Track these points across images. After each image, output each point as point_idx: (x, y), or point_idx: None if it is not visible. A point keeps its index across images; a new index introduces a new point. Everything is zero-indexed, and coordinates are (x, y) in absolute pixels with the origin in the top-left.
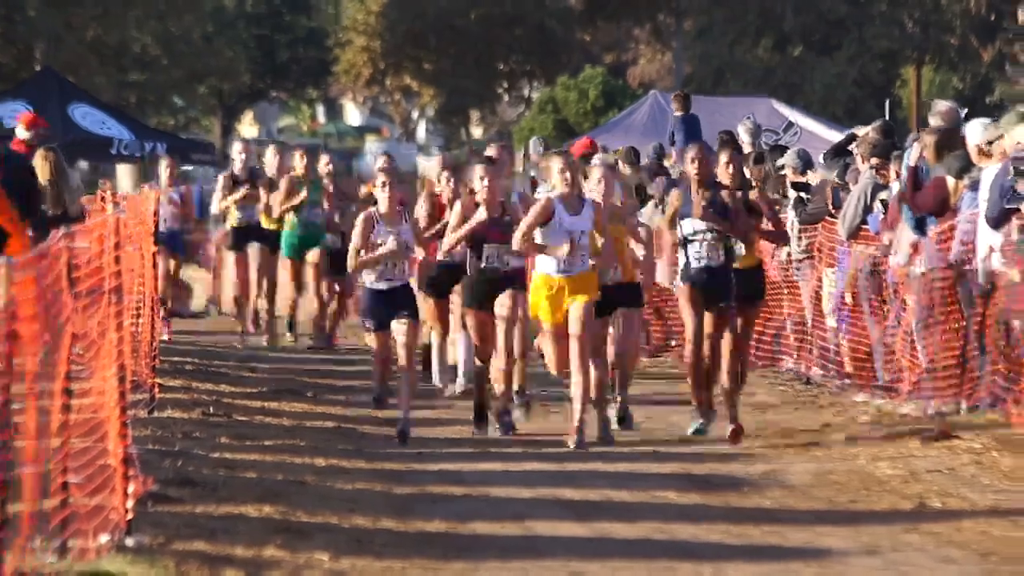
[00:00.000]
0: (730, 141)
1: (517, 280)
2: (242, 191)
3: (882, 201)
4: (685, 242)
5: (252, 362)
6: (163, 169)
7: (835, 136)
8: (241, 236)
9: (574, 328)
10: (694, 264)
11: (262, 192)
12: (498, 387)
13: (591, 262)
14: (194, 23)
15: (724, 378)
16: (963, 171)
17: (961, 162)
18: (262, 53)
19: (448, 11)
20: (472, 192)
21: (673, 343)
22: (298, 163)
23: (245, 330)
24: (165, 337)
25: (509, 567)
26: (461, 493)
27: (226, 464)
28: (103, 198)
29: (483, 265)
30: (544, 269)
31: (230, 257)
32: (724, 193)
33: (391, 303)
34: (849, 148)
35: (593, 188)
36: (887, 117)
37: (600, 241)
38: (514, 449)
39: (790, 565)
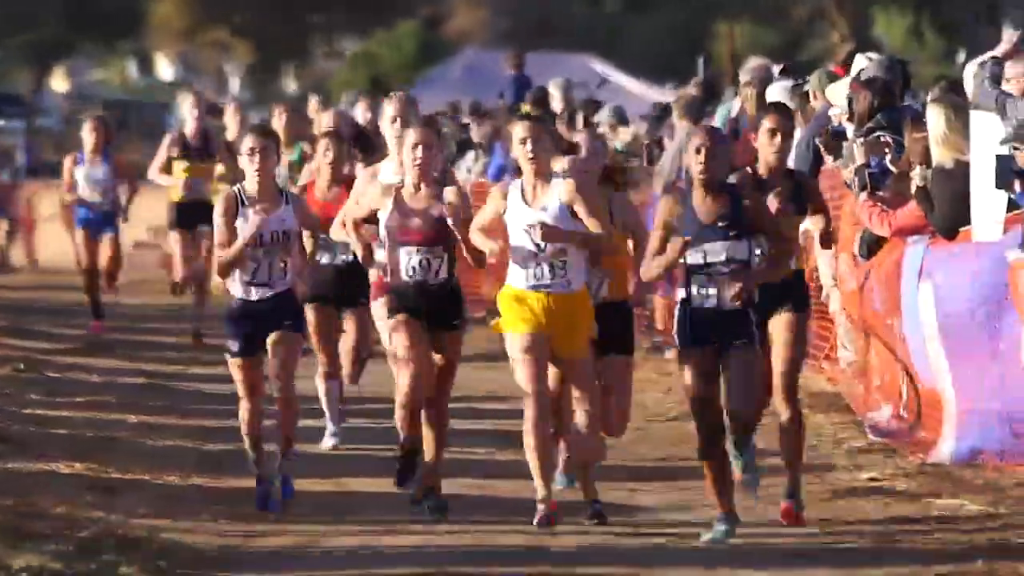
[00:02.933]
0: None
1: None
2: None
3: None
4: (689, 273)
5: (63, 317)
6: None
7: (651, 93)
8: (186, 213)
9: (577, 395)
10: (696, 303)
11: (219, 162)
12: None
13: (580, 277)
14: None
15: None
16: None
17: None
18: (73, 4)
19: None
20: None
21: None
22: (277, 123)
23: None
24: None
25: (323, 519)
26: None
27: (37, 420)
28: None
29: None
30: (512, 282)
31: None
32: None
33: (263, 317)
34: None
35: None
36: (702, 73)
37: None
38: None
39: None
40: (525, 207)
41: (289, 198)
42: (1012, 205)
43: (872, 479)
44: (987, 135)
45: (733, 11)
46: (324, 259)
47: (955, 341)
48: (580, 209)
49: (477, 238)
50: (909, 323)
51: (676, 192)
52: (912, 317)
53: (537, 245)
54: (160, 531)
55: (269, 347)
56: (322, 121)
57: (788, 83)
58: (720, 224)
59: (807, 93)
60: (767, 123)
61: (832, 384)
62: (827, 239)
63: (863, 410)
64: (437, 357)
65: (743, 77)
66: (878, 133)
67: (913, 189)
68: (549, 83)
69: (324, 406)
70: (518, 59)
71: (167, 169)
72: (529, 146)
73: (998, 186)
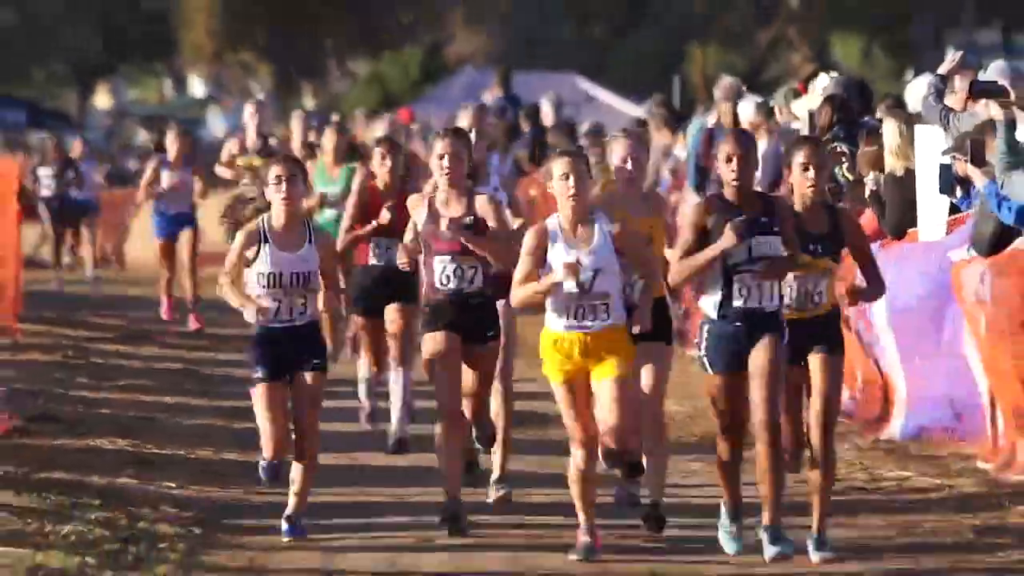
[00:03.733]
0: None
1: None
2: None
3: (671, 171)
4: (728, 274)
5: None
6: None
7: (633, 109)
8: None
9: (606, 423)
10: (736, 303)
11: None
12: None
13: (622, 310)
14: (49, 3)
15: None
16: None
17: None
18: (113, 31)
19: None
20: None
21: None
22: (328, 141)
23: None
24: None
25: (342, 492)
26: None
27: (84, 402)
28: None
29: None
30: (551, 324)
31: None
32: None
33: (290, 346)
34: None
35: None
36: (678, 92)
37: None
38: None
39: None
40: (565, 247)
41: (313, 236)
42: (954, 209)
43: None
44: (931, 146)
45: (703, 36)
46: (375, 261)
47: (905, 332)
48: (628, 246)
49: (522, 294)
50: (864, 316)
51: (709, 199)
52: (867, 311)
53: (580, 286)
54: (195, 500)
55: (294, 391)
56: (366, 132)
57: (757, 99)
58: (763, 219)
59: (772, 108)
60: (800, 157)
61: None
62: (862, 293)
63: None
64: (470, 373)
65: (717, 94)
66: (835, 144)
67: (867, 194)
68: (541, 99)
69: (361, 394)
70: (505, 80)
71: (230, 166)
72: (572, 182)
73: (941, 192)
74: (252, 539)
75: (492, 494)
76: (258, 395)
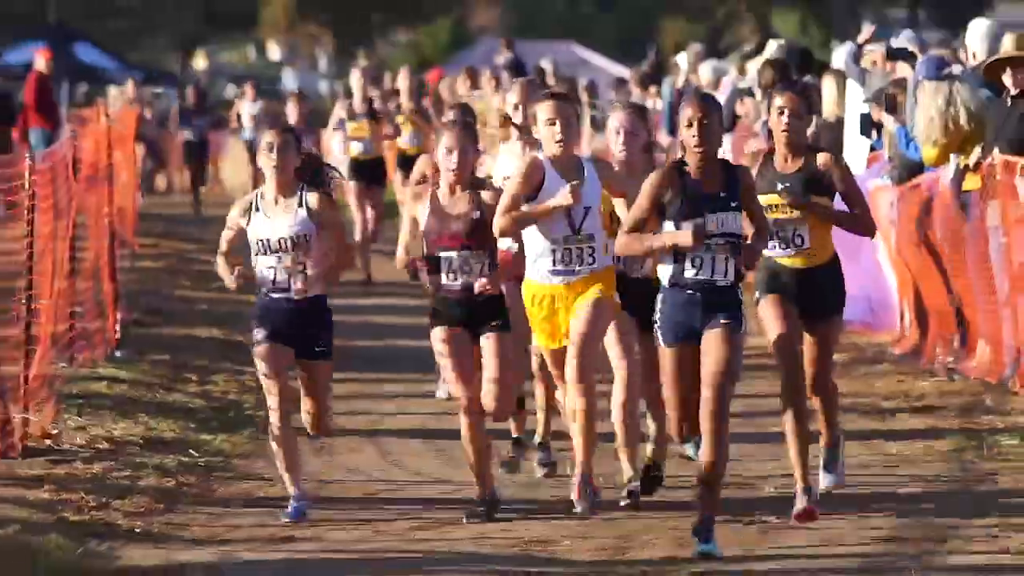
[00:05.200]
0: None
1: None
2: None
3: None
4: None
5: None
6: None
7: (618, 69)
8: (361, 169)
9: (574, 332)
10: (688, 275)
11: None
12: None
13: (604, 256)
14: None
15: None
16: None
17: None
18: (210, 4)
19: None
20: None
21: None
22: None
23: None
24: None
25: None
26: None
27: (185, 300)
28: (99, 112)
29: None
30: (532, 274)
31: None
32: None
33: (296, 321)
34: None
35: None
36: (652, 55)
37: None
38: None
39: None
40: (559, 178)
41: (306, 198)
42: (872, 148)
43: None
44: (853, 98)
45: (671, 11)
46: None
47: None
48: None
49: (509, 220)
50: None
51: (669, 170)
52: None
53: (571, 226)
54: None
55: (299, 376)
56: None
57: (715, 62)
58: (722, 195)
59: (727, 69)
60: (777, 101)
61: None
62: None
63: None
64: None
65: (685, 57)
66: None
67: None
68: (541, 61)
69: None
70: (510, 45)
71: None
72: (558, 127)
73: (861, 134)
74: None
75: (538, 470)
76: (258, 357)
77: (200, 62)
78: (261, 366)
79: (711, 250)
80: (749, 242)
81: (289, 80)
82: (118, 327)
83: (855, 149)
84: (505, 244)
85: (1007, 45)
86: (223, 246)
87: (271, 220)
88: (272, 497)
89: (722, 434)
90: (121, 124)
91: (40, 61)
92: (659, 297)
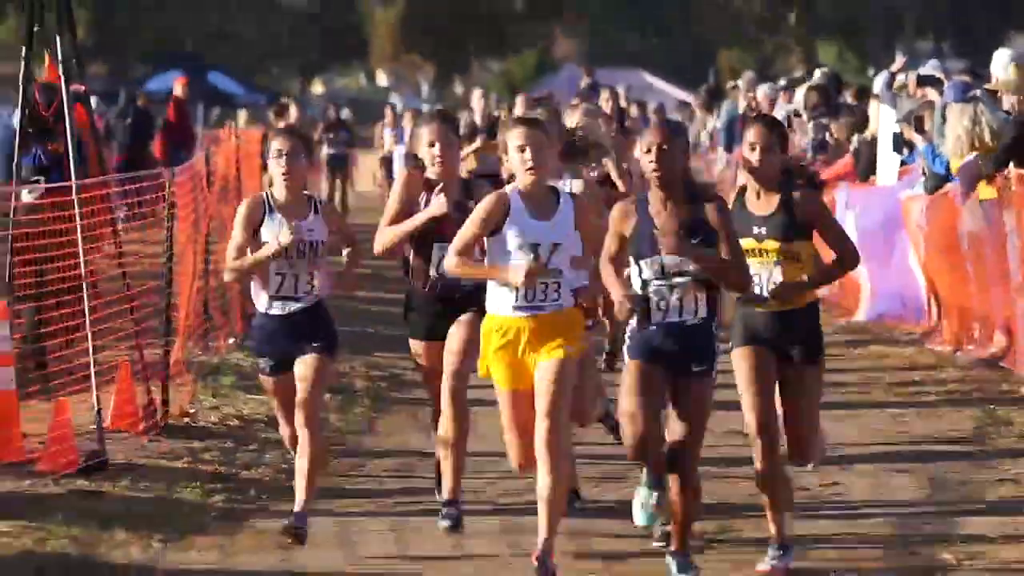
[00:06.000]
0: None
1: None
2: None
3: (708, 135)
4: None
5: None
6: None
7: (681, 94)
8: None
9: (541, 400)
10: (656, 317)
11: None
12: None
13: (573, 291)
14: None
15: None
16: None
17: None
18: (327, 37)
19: (437, 14)
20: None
21: None
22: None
23: None
24: None
25: None
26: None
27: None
28: (229, 133)
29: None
30: (495, 306)
31: None
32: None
33: (294, 333)
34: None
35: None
36: (712, 80)
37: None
38: None
39: None
40: (530, 221)
41: (319, 206)
42: (902, 163)
43: None
44: (887, 119)
45: (727, 43)
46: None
47: (868, 247)
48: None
49: (460, 265)
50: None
51: (633, 203)
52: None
53: (537, 260)
54: (382, 365)
55: (296, 372)
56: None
57: (769, 85)
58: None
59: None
60: (748, 135)
61: None
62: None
63: None
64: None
65: (740, 84)
66: (822, 118)
67: (852, 150)
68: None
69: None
70: (590, 73)
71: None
72: (528, 154)
73: (894, 150)
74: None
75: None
76: (266, 388)
77: (317, 87)
78: (271, 397)
79: (676, 290)
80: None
81: (474, 98)
82: (243, 320)
83: (888, 164)
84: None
85: (1010, 74)
86: (232, 253)
87: (282, 225)
88: (375, 475)
89: (690, 485)
90: (248, 142)
91: (178, 87)
92: (627, 336)
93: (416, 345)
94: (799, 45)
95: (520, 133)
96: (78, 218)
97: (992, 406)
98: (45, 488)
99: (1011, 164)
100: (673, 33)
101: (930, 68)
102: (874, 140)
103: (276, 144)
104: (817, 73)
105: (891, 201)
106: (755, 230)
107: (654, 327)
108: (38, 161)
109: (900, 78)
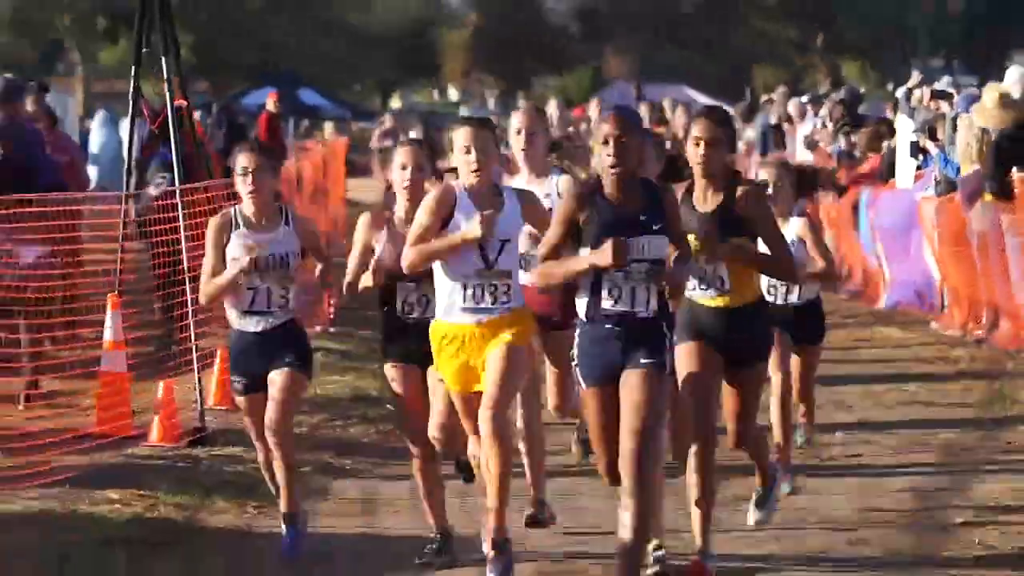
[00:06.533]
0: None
1: None
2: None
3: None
4: (597, 273)
5: None
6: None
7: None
8: None
9: (489, 384)
10: (606, 305)
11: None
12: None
13: (516, 296)
14: (365, 44)
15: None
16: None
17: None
18: (405, 56)
19: (503, 35)
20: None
21: None
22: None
23: None
24: None
25: None
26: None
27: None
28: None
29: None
30: (442, 313)
31: None
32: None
33: (266, 351)
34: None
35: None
36: (748, 95)
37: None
38: None
39: None
40: (473, 210)
41: (291, 218)
42: (918, 167)
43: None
44: (905, 129)
45: (761, 61)
46: None
47: (888, 243)
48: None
49: (418, 254)
50: (861, 232)
51: (584, 190)
52: (864, 229)
53: (485, 259)
54: None
55: (269, 389)
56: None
57: (799, 99)
58: (642, 217)
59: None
60: (694, 130)
61: None
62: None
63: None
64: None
65: (774, 97)
66: (846, 128)
67: (882, 155)
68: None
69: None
70: (639, 89)
71: None
72: (473, 155)
73: (911, 156)
74: None
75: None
76: (240, 407)
77: (395, 101)
78: (247, 420)
79: (631, 279)
80: (669, 268)
81: (551, 107)
82: (332, 308)
83: (905, 168)
84: (525, 279)
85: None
86: (206, 276)
87: (253, 239)
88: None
89: (645, 490)
90: (332, 151)
91: (270, 102)
92: (576, 333)
93: (392, 371)
94: (825, 63)
95: (466, 134)
96: (181, 218)
97: (998, 383)
98: (153, 460)
99: (1014, 169)
100: (713, 52)
101: (943, 84)
102: (894, 148)
103: (242, 161)
104: (842, 88)
105: (908, 202)
106: (697, 226)
107: (609, 326)
108: (164, 159)
109: (916, 93)
